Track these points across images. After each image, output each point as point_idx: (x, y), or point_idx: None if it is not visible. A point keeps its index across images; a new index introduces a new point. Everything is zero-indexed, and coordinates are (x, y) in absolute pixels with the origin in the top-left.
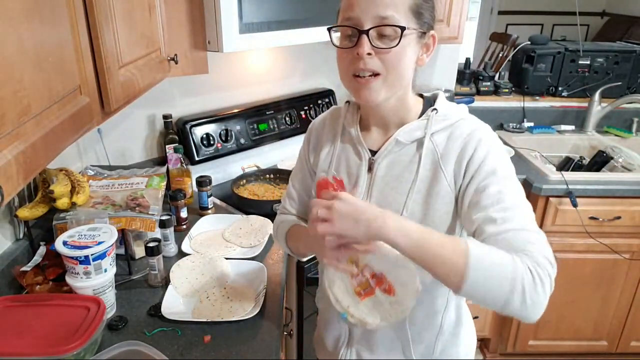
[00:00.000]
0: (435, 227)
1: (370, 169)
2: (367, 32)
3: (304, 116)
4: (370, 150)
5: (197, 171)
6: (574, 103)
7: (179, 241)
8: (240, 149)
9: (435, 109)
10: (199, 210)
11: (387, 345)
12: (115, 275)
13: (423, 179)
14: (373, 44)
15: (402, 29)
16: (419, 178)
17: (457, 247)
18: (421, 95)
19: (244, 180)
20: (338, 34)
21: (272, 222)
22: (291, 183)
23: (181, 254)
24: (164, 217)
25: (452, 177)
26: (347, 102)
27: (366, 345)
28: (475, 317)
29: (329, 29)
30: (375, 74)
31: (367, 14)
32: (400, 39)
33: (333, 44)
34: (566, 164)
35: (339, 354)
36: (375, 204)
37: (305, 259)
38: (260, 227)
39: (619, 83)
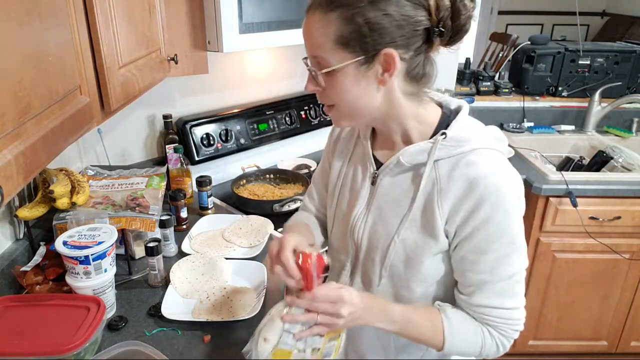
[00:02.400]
0: (425, 265)
1: (373, 183)
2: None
3: (304, 116)
4: (380, 163)
5: (197, 171)
6: (574, 103)
7: (179, 241)
8: (240, 149)
9: (444, 132)
10: (199, 210)
11: (372, 351)
12: (115, 275)
13: (420, 208)
14: (317, 81)
15: (316, 70)
16: (416, 206)
17: (435, 332)
18: (441, 105)
19: (244, 180)
20: None
21: (272, 222)
22: (313, 180)
23: (181, 254)
24: (164, 217)
25: (447, 218)
26: None
27: (353, 348)
28: None
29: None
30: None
31: (308, 54)
32: (322, 80)
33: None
34: (566, 164)
35: None
36: (373, 219)
37: None
38: (260, 227)
39: (619, 83)
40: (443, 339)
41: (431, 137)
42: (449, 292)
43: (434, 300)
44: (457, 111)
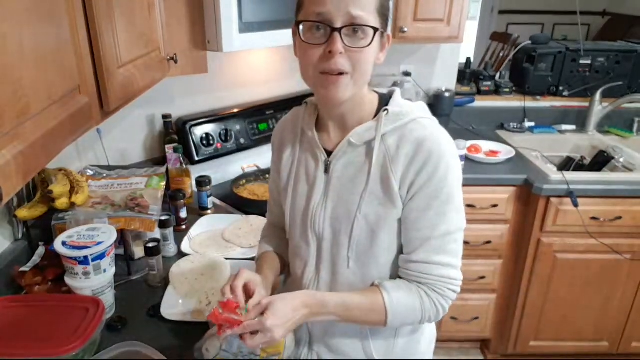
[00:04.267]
0: (387, 233)
1: (327, 171)
2: (340, 30)
3: None
4: (329, 152)
5: (196, 171)
6: (575, 103)
7: (178, 241)
8: (240, 148)
9: (386, 109)
10: (199, 211)
11: (347, 343)
12: (115, 275)
13: (376, 181)
14: (345, 43)
15: (375, 30)
16: (371, 180)
17: (376, 309)
18: (377, 92)
19: (244, 180)
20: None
21: None
22: (270, 193)
23: (181, 254)
24: (163, 217)
25: (400, 182)
26: (305, 102)
27: (326, 344)
28: (475, 318)
29: (297, 23)
30: (344, 73)
31: (339, 11)
32: (372, 39)
33: (301, 38)
34: (567, 164)
35: (301, 354)
36: (332, 205)
37: None
38: (260, 227)
39: (620, 83)
40: (385, 315)
41: (374, 117)
42: None
43: (397, 270)
44: (390, 94)
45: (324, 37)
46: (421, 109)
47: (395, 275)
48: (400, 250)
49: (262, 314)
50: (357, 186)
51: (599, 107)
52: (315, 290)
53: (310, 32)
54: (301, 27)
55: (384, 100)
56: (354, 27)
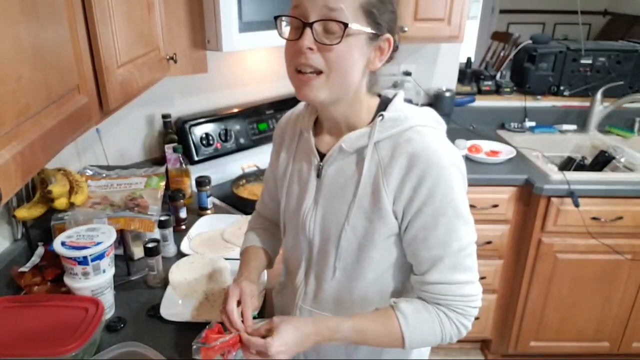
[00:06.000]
0: (377, 249)
1: (319, 175)
2: (310, 25)
3: None
4: (324, 155)
5: (196, 171)
6: (575, 102)
7: (178, 241)
8: (240, 148)
9: (381, 114)
10: (199, 211)
11: (330, 349)
12: (114, 276)
13: (365, 193)
14: (316, 39)
15: (345, 25)
16: (361, 191)
17: (392, 333)
18: (380, 96)
19: (244, 180)
20: (289, 25)
21: None
22: (265, 182)
23: (180, 255)
24: (163, 218)
25: (393, 198)
26: None
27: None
28: (476, 318)
29: (275, 18)
30: (318, 72)
31: (314, 5)
32: (343, 36)
33: (279, 34)
34: (568, 164)
35: None
36: (322, 212)
37: None
38: None
39: (621, 82)
40: (402, 338)
41: (370, 122)
42: (400, 276)
43: (386, 286)
44: (393, 97)
45: (299, 33)
46: (423, 116)
47: (383, 290)
48: (393, 267)
49: (269, 329)
50: (346, 196)
51: (600, 107)
52: (303, 295)
53: (292, 28)
54: (282, 22)
55: (383, 105)
56: (325, 21)
